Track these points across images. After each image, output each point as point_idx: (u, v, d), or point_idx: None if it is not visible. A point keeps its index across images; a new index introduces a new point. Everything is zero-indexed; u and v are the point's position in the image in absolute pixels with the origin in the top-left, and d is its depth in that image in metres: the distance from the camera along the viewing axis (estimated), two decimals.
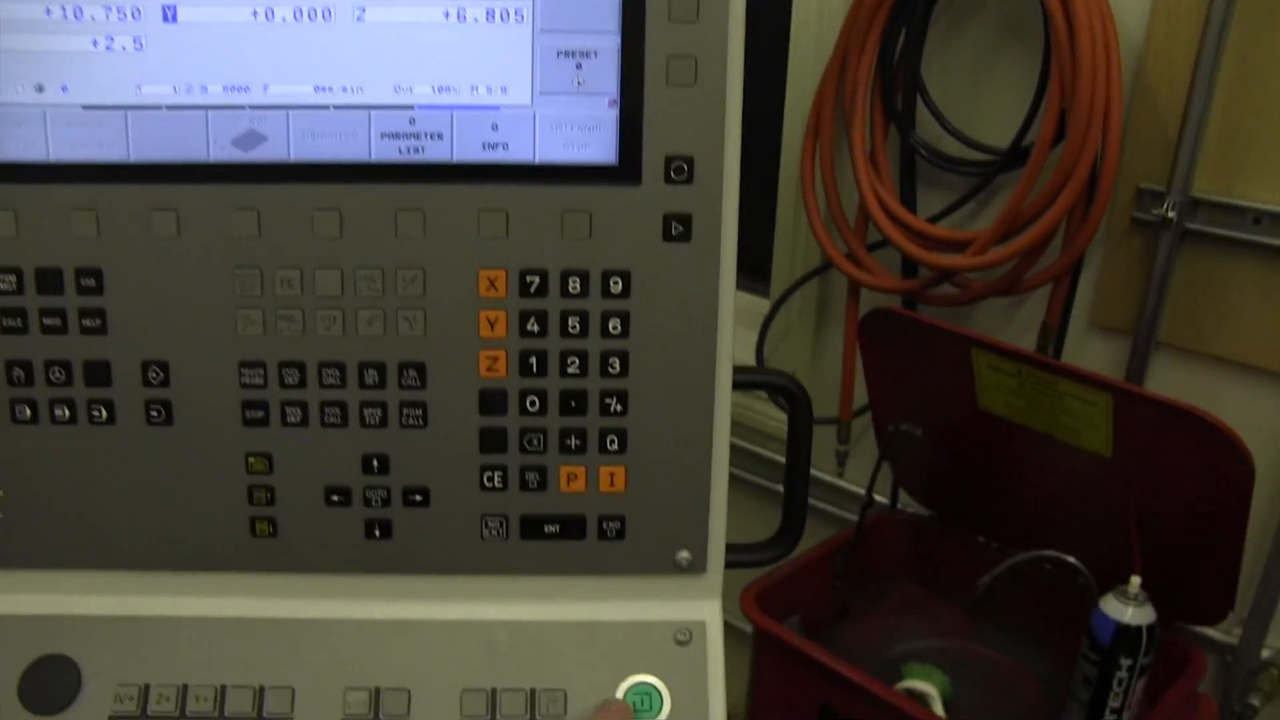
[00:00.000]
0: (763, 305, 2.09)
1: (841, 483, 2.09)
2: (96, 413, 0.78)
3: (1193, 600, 1.52)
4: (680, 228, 0.76)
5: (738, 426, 2.11)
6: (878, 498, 1.77)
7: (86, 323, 0.77)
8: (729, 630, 2.07)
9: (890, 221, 1.68)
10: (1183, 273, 1.59)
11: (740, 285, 2.22)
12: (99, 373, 0.78)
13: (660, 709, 0.79)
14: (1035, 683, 1.71)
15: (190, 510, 0.80)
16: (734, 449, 1.99)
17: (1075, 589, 1.64)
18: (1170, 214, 1.54)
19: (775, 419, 2.15)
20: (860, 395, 1.86)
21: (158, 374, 0.78)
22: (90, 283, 0.76)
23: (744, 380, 0.82)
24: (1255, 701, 1.66)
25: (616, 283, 0.76)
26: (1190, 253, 1.58)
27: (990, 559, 1.65)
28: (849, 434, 1.96)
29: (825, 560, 1.77)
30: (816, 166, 1.80)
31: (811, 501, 2.12)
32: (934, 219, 1.76)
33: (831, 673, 1.49)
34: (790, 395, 0.84)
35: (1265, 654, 1.68)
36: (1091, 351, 1.73)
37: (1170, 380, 1.66)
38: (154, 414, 0.78)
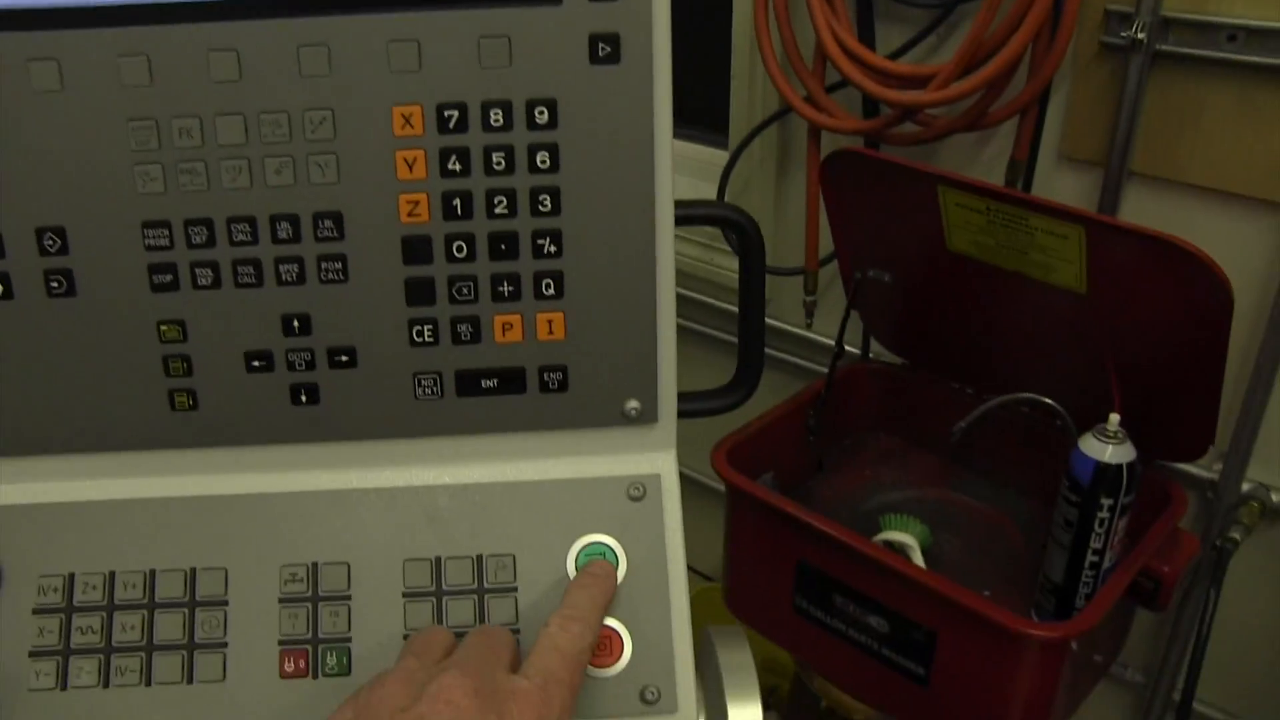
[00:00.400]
0: (721, 157, 2.03)
1: (811, 334, 2.05)
2: None
3: (1172, 437, 1.49)
4: (608, 48, 0.69)
5: (692, 279, 2.08)
6: (848, 348, 1.73)
7: None
8: (703, 491, 2.05)
9: (849, 60, 1.61)
10: (1154, 98, 1.54)
11: (697, 138, 2.17)
12: None
13: (615, 569, 0.75)
14: (1016, 529, 1.69)
15: (104, 387, 0.75)
16: (689, 302, 1.95)
17: (1054, 432, 1.62)
18: (1140, 35, 1.47)
19: (732, 270, 2.09)
20: (826, 243, 1.81)
21: (54, 241, 0.72)
22: None
23: (687, 214, 0.77)
24: (1236, 535, 1.65)
25: (542, 112, 0.70)
26: (1162, 76, 1.52)
27: (966, 405, 1.61)
28: (816, 284, 1.91)
29: (797, 414, 1.73)
30: (770, 8, 1.73)
31: (780, 355, 2.10)
32: (894, 55, 1.70)
33: (807, 528, 1.46)
34: (738, 228, 0.79)
35: (1245, 487, 1.67)
36: (1062, 185, 1.68)
37: (1144, 211, 1.61)
38: (54, 285, 0.72)
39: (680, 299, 0.74)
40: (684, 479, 0.78)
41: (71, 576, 0.75)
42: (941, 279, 1.61)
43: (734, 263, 2.04)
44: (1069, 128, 1.64)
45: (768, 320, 2.07)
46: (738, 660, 0.79)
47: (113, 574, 0.75)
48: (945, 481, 1.79)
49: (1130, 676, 1.91)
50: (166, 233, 0.72)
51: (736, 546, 1.65)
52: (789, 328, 2.07)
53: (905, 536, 1.57)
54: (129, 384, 0.75)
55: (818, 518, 1.46)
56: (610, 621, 0.74)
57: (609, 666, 0.73)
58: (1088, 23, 1.54)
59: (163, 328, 0.74)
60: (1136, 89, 1.52)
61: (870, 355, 1.91)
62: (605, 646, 0.73)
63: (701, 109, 2.15)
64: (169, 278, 0.72)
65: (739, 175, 1.99)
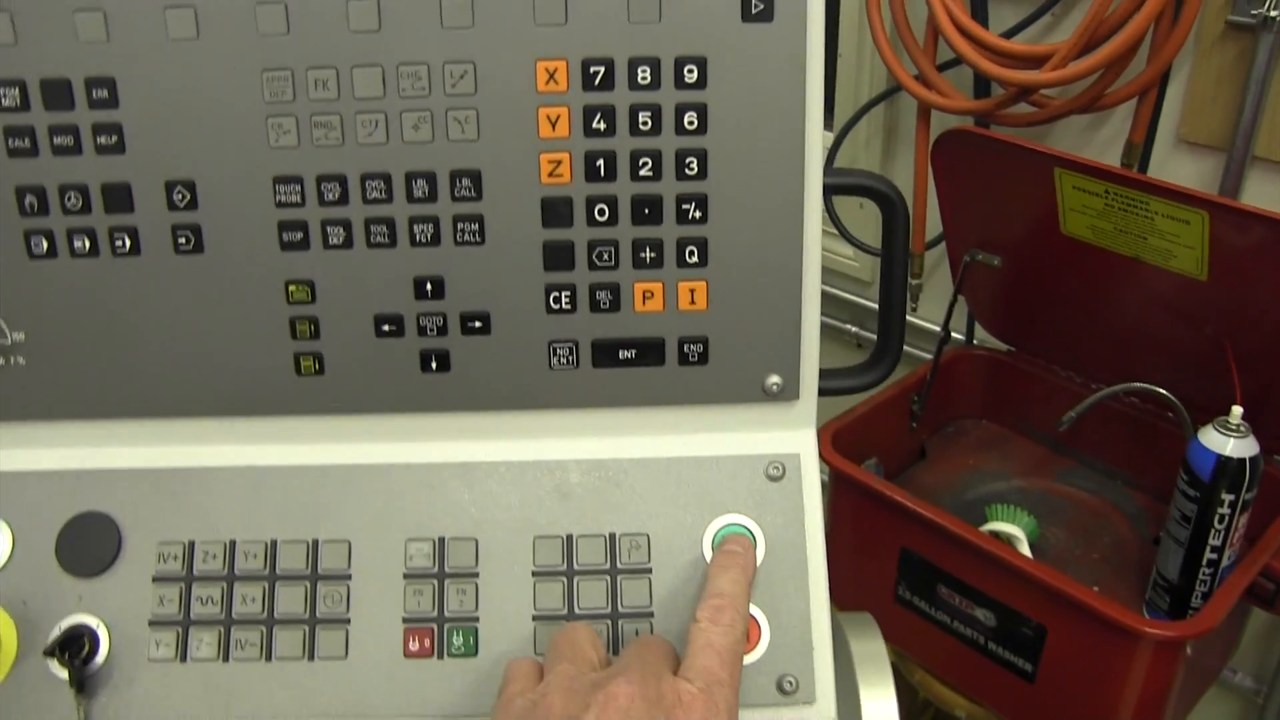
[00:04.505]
0: (826, 138, 1.99)
1: (915, 319, 2.01)
2: (120, 242, 0.70)
3: None
4: (761, 5, 0.66)
5: None
6: (954, 334, 1.69)
7: (101, 140, 0.68)
8: None
9: (962, 37, 1.56)
10: None
11: None
12: (119, 196, 0.69)
13: (754, 550, 0.72)
14: (1124, 521, 1.65)
15: (229, 348, 0.73)
16: None
17: (1163, 423, 1.57)
18: (1272, 13, 1.42)
19: (842, 254, 2.06)
20: (933, 226, 1.76)
21: (183, 195, 0.69)
22: (102, 94, 0.67)
23: (834, 183, 0.73)
24: None
25: (691, 71, 0.67)
26: None
27: (1073, 394, 1.58)
28: (922, 267, 1.87)
29: (901, 400, 1.70)
30: None
31: None
32: (1008, 33, 1.65)
33: (913, 515, 1.43)
34: (885, 200, 0.75)
35: None
36: (1179, 169, 1.63)
37: (1267, 197, 1.55)
38: (182, 240, 0.70)
39: None
40: None
41: (192, 544, 0.73)
42: (1053, 264, 1.56)
43: (844, 247, 2.01)
44: (1189, 110, 1.58)
45: (869, 304, 2.04)
46: (870, 649, 0.76)
47: (233, 543, 0.73)
48: (1049, 472, 1.75)
49: (1239, 681, 1.85)
50: (298, 188, 0.69)
51: (838, 534, 1.61)
52: None
53: (1012, 528, 1.52)
54: (254, 346, 0.72)
55: (925, 505, 1.42)
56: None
57: (746, 654, 0.70)
58: (1213, 1, 1.49)
59: (291, 288, 0.71)
60: (1265, 69, 1.46)
61: (974, 341, 1.87)
62: None
63: None
64: (299, 235, 0.70)
65: (844, 156, 1.95)
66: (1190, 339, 1.47)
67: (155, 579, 0.72)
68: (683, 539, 0.72)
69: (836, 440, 1.53)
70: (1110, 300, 1.55)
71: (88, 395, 0.74)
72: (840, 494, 1.57)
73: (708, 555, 0.72)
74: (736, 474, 0.74)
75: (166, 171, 0.69)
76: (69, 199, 0.69)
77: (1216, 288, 1.38)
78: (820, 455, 1.46)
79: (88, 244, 0.70)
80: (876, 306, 2.03)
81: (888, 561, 1.51)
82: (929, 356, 1.71)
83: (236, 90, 0.67)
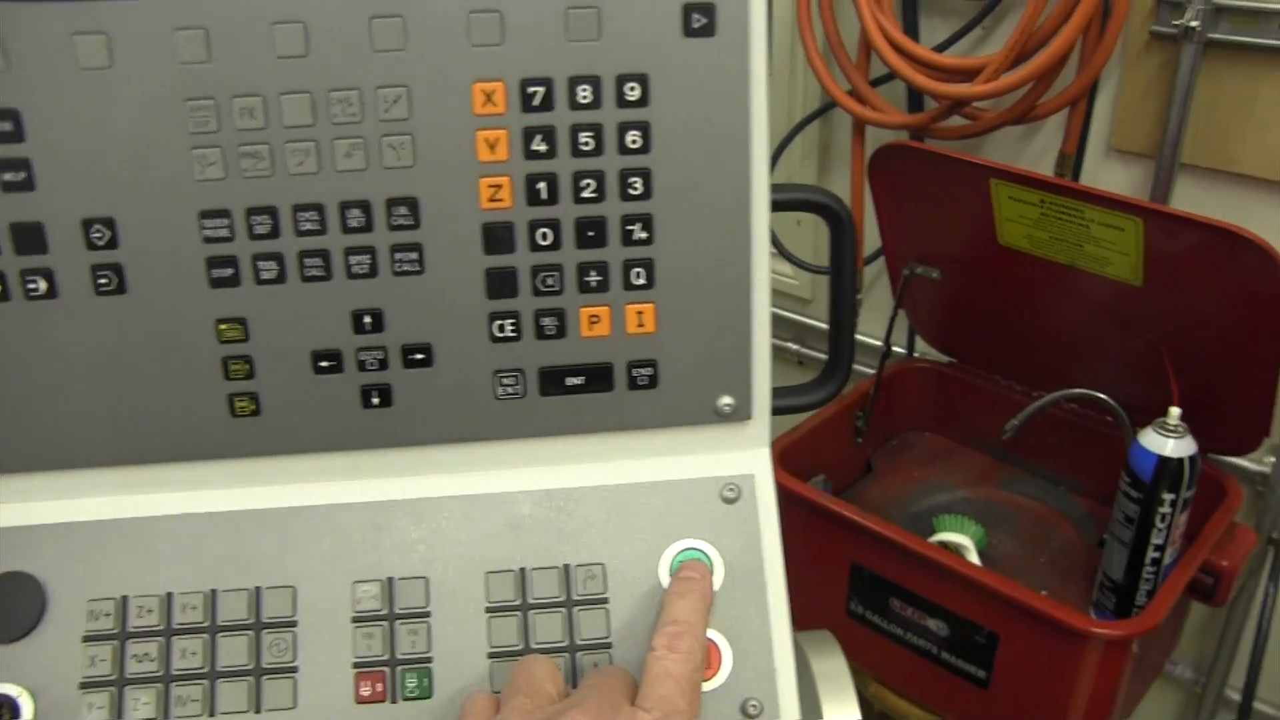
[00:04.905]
0: None
1: (856, 335, 2.01)
2: (33, 285, 0.66)
3: (1226, 429, 1.47)
4: (702, 19, 0.65)
5: None
6: (894, 348, 1.69)
7: (8, 177, 0.64)
8: None
9: (895, 52, 1.57)
10: (1206, 88, 1.50)
11: None
12: (31, 237, 0.66)
13: (711, 573, 0.70)
14: (1070, 526, 1.66)
15: (158, 392, 0.69)
16: None
17: (1103, 428, 1.59)
18: (1193, 23, 1.43)
19: (781, 273, 2.06)
20: (871, 240, 1.76)
21: (102, 233, 0.66)
22: (6, 127, 0.64)
23: (781, 199, 0.71)
24: None
25: (633, 88, 0.65)
26: (1214, 65, 1.48)
27: (1015, 403, 1.59)
28: (860, 282, 1.87)
29: (845, 415, 1.70)
30: (812, 0, 1.68)
31: (824, 355, 2.04)
32: (940, 47, 1.66)
33: (863, 530, 1.43)
34: (832, 214, 0.74)
35: None
36: (1111, 178, 1.64)
37: (1196, 202, 1.57)
38: (103, 281, 0.67)
39: None
40: None
41: (124, 600, 0.69)
42: (991, 274, 1.57)
43: (783, 265, 2.01)
44: (1119, 120, 1.60)
45: (810, 321, 2.03)
46: (831, 667, 0.75)
47: (170, 595, 0.69)
48: (994, 480, 1.76)
49: (1179, 673, 1.87)
50: (226, 222, 0.66)
51: (788, 552, 1.60)
52: None
53: (961, 537, 1.53)
54: (185, 389, 0.69)
55: (874, 519, 1.42)
56: (708, 632, 0.69)
57: (707, 679, 0.68)
58: (1138, 12, 1.51)
59: (222, 326, 0.68)
60: (1189, 78, 1.48)
61: (915, 354, 1.87)
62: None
63: None
64: (229, 272, 0.67)
65: (779, 174, 1.95)
66: (1128, 344, 1.48)
67: (85, 639, 0.68)
68: (639, 567, 0.70)
69: (783, 458, 1.53)
70: (1049, 308, 1.56)
71: (7, 447, 0.70)
72: (789, 512, 1.54)
73: (665, 582, 0.70)
74: (691, 498, 0.72)
75: (83, 209, 0.65)
76: None
77: (1152, 292, 1.40)
78: None
79: None
80: (817, 324, 2.05)
81: (839, 577, 1.51)
82: (871, 371, 1.71)
83: (156, 121, 0.64)
